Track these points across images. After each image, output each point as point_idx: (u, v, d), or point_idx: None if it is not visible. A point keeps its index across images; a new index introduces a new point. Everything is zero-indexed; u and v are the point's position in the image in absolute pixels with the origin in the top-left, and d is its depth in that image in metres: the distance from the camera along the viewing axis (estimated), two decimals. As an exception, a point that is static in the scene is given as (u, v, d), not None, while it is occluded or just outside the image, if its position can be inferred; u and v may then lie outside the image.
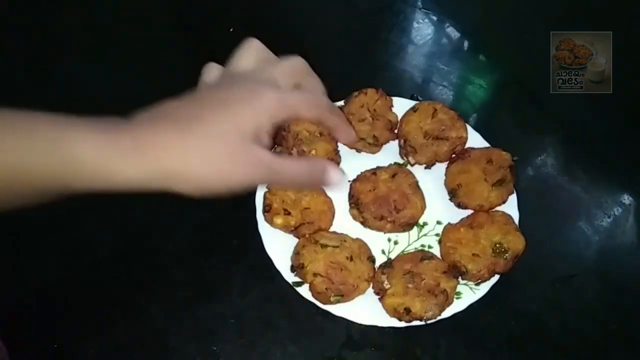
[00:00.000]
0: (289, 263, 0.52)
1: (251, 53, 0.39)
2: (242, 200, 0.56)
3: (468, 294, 0.52)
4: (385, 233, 0.56)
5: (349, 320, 0.51)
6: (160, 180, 0.32)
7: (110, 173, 0.30)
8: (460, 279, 0.52)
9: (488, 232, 0.53)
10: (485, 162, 0.57)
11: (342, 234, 0.55)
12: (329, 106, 0.41)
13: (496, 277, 0.52)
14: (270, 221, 0.54)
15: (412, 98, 0.63)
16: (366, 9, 0.76)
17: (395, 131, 0.60)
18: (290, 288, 0.52)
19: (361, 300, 0.52)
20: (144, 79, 0.67)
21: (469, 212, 0.56)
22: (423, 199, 0.56)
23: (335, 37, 0.70)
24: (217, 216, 0.57)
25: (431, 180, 0.58)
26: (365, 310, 0.51)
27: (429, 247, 0.55)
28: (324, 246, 0.52)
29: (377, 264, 0.53)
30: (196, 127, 0.32)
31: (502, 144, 0.59)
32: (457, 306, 0.51)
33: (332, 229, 0.55)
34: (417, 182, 0.56)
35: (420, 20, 0.74)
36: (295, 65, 0.40)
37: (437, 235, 0.56)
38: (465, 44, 0.74)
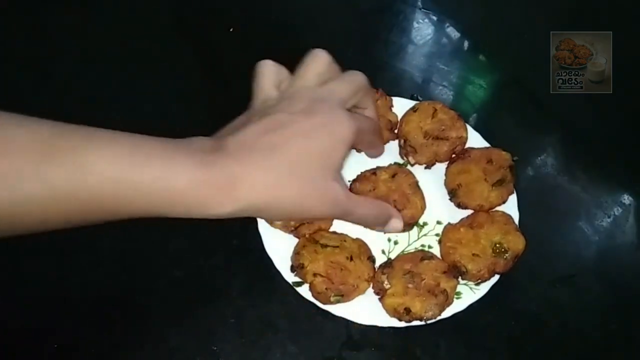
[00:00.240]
0: (289, 263, 0.52)
1: (318, 66, 0.40)
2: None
3: (468, 294, 0.52)
4: (385, 233, 0.56)
5: (349, 320, 0.51)
6: (249, 212, 0.33)
7: (205, 208, 0.31)
8: (460, 279, 0.52)
9: (488, 232, 0.53)
10: (485, 162, 0.57)
11: (342, 234, 0.55)
12: (378, 128, 0.43)
13: (496, 277, 0.52)
14: (270, 221, 0.54)
15: (412, 98, 0.63)
16: (366, 9, 0.76)
17: (395, 131, 0.60)
18: (290, 288, 0.52)
19: (361, 300, 0.52)
20: (144, 79, 0.67)
21: (469, 212, 0.56)
22: (423, 198, 0.56)
23: (335, 37, 0.70)
24: (217, 216, 0.57)
25: (431, 180, 0.58)
26: (365, 310, 0.51)
27: (429, 247, 0.55)
28: (324, 246, 0.52)
29: (377, 264, 0.54)
30: (282, 161, 0.33)
31: (502, 144, 0.59)
32: (457, 306, 0.51)
33: (332, 229, 0.55)
34: (417, 182, 0.56)
35: (420, 20, 0.74)
36: (359, 83, 0.41)
37: (437, 235, 0.56)
38: (465, 44, 0.74)
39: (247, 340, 0.51)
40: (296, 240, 0.54)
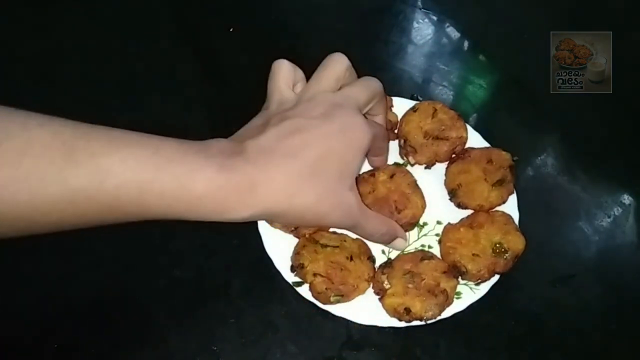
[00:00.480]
0: (289, 263, 0.52)
1: (337, 70, 0.40)
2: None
3: (468, 294, 0.52)
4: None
5: (349, 320, 0.51)
6: (264, 217, 0.34)
7: (223, 212, 0.32)
8: (460, 279, 0.52)
9: (488, 232, 0.53)
10: (485, 162, 0.57)
11: (342, 234, 0.55)
12: (387, 135, 0.43)
13: (496, 277, 0.52)
14: (270, 221, 0.54)
15: (412, 98, 0.63)
16: (366, 9, 0.76)
17: (395, 131, 0.60)
18: (290, 288, 0.52)
19: (361, 300, 0.52)
20: (144, 79, 0.67)
21: (469, 212, 0.56)
22: (423, 197, 0.56)
23: (335, 37, 0.70)
24: (217, 216, 0.57)
25: (431, 180, 0.58)
26: (365, 310, 0.51)
27: (429, 247, 0.55)
28: (324, 246, 0.52)
29: (377, 264, 0.54)
30: (301, 167, 0.33)
31: (502, 144, 0.59)
32: (457, 306, 0.51)
33: (332, 229, 0.55)
34: (415, 181, 0.56)
35: (420, 20, 0.74)
36: (375, 89, 0.41)
37: (437, 235, 0.56)
38: (465, 44, 0.74)
39: (247, 340, 0.51)
40: (296, 240, 0.54)
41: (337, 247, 0.52)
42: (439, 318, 0.50)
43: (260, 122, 0.37)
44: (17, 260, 0.54)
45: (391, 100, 0.61)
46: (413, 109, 0.60)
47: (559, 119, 0.67)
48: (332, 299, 0.50)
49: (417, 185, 0.56)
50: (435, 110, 0.60)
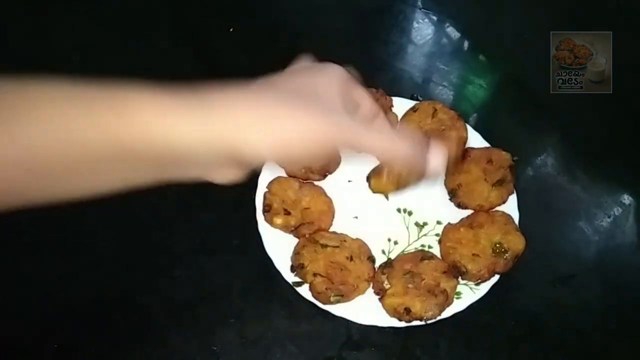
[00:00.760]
0: (289, 263, 0.52)
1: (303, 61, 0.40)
2: (242, 200, 0.56)
3: (468, 294, 0.52)
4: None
5: (349, 320, 0.51)
6: (226, 140, 0.30)
7: (166, 130, 0.29)
8: (460, 279, 0.52)
9: (488, 232, 0.53)
10: (485, 162, 0.57)
11: (342, 234, 0.55)
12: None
13: (496, 277, 0.52)
14: (270, 221, 0.54)
15: (412, 98, 0.63)
16: (366, 9, 0.76)
17: (395, 131, 0.60)
18: (290, 288, 0.52)
19: (361, 300, 0.52)
20: (144, 79, 0.67)
21: (469, 212, 0.56)
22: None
23: (335, 37, 0.70)
24: (217, 216, 0.57)
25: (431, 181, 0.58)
26: (365, 310, 0.51)
27: (429, 247, 0.55)
28: (324, 246, 0.52)
29: (377, 264, 0.54)
30: (281, 91, 0.32)
31: (502, 144, 0.59)
32: (457, 306, 0.51)
33: (332, 229, 0.55)
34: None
35: (420, 20, 0.74)
36: (398, 157, 0.36)
37: (437, 235, 0.56)
38: (465, 44, 0.74)
39: (247, 340, 0.51)
40: (296, 240, 0.54)
41: (337, 247, 0.52)
42: (439, 318, 0.50)
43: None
44: (17, 260, 0.54)
45: (391, 100, 0.61)
46: (413, 109, 0.60)
47: (559, 119, 0.67)
48: (332, 299, 0.50)
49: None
50: (435, 110, 0.60)
